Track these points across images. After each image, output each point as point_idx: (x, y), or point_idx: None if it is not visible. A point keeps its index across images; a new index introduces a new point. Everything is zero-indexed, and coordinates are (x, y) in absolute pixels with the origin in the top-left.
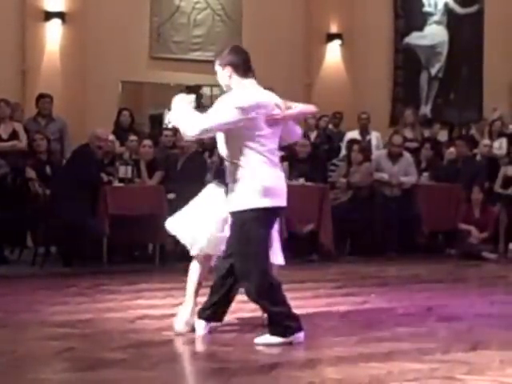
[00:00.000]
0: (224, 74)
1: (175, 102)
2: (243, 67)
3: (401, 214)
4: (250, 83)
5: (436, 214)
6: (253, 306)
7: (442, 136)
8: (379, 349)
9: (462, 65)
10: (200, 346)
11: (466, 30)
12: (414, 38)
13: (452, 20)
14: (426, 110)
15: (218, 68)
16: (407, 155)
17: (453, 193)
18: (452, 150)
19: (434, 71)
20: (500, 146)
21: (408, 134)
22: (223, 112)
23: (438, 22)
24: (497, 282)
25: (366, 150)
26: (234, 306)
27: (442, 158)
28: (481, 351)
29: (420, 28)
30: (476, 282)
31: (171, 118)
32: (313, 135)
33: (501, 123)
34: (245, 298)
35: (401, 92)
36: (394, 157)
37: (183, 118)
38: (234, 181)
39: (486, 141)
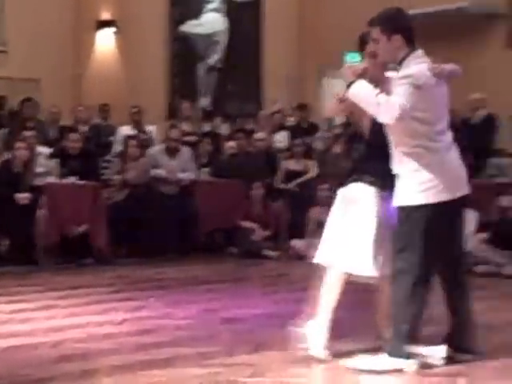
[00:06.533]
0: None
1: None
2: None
3: (179, 213)
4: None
5: (216, 211)
6: None
7: (225, 130)
8: (159, 355)
9: (242, 55)
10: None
11: (245, 18)
12: (190, 27)
13: (231, 8)
14: (205, 102)
15: (379, 36)
16: (186, 150)
17: (233, 189)
18: (232, 143)
19: (212, 61)
20: (280, 139)
21: (186, 127)
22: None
23: (215, 10)
24: (279, 281)
25: (144, 145)
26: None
27: (222, 152)
28: (263, 352)
29: (196, 16)
30: (258, 282)
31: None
32: (84, 128)
33: (282, 116)
34: None
35: (177, 83)
36: (171, 152)
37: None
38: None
39: (260, 134)
